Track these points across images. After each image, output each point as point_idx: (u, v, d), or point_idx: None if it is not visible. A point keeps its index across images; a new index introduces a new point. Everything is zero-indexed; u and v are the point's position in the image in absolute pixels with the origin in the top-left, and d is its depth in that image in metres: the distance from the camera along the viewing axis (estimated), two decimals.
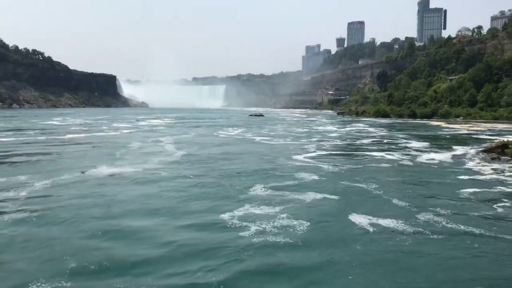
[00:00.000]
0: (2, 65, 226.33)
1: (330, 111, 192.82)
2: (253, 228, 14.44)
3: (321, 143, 44.73)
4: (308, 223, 14.98)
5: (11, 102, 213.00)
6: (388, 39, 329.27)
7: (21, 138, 46.90)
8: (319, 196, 19.05)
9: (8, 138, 47.06)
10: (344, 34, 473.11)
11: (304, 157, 32.92)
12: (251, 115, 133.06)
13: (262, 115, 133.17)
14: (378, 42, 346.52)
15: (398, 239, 13.78)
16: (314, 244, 13.19)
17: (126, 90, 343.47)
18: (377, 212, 16.65)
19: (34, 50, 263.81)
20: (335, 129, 69.71)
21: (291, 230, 14.30)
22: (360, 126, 78.40)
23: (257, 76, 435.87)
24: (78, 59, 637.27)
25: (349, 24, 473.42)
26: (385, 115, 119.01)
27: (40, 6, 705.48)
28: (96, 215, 16.08)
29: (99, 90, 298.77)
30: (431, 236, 13.99)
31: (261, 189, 20.45)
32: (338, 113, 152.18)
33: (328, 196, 19.10)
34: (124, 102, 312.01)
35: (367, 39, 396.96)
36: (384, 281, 10.85)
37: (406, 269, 11.58)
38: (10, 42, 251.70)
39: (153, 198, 18.80)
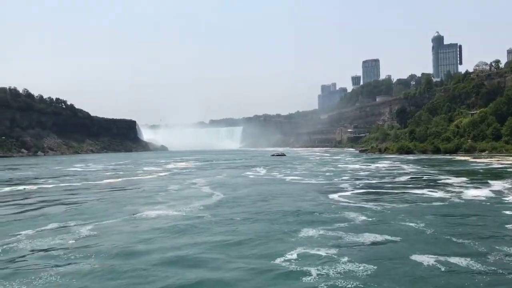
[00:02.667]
0: (27, 115, 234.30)
1: (351, 149, 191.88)
2: (314, 272, 13.82)
3: (354, 181, 44.16)
4: (374, 266, 14.31)
5: (36, 149, 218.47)
6: (404, 76, 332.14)
7: (62, 184, 47.42)
8: (376, 237, 18.44)
9: (49, 185, 47.69)
10: (359, 72, 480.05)
11: (341, 196, 32.38)
12: (272, 155, 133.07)
13: (284, 155, 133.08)
14: (394, 79, 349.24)
15: (473, 277, 13.16)
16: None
17: (146, 134, 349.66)
18: (441, 250, 16.01)
19: (57, 99, 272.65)
20: (363, 167, 68.96)
21: (358, 274, 13.66)
22: (388, 163, 77.49)
23: (274, 116, 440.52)
24: (99, 105, 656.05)
25: (363, 62, 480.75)
26: (408, 152, 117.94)
27: (63, 57, 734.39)
28: (159, 258, 15.87)
29: (120, 135, 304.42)
30: (508, 276, 13.35)
31: (312, 231, 19.93)
32: (361, 151, 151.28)
33: (386, 236, 18.49)
34: (144, 146, 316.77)
35: (382, 76, 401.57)
36: None
37: None
38: (35, 91, 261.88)
39: (203, 242, 18.40)
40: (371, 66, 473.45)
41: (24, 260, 16.03)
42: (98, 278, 14.00)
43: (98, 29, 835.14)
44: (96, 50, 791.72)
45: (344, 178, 48.50)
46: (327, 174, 55.44)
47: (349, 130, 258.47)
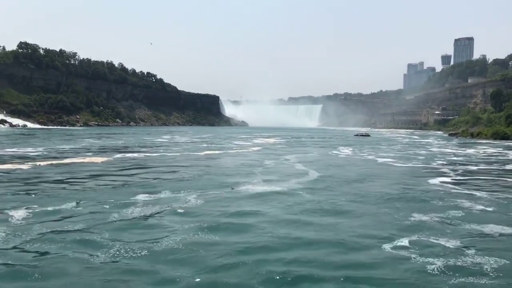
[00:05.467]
0: (122, 87, 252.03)
1: (438, 132, 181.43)
2: (438, 263, 12.94)
3: (454, 166, 41.56)
4: (507, 261, 13.17)
5: (129, 120, 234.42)
6: (502, 56, 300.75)
7: (165, 153, 51.33)
8: (504, 229, 17.02)
9: (154, 153, 51.60)
10: (450, 51, 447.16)
11: (442, 182, 30.65)
12: (356, 135, 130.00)
13: (369, 135, 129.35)
14: (490, 59, 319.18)
15: None
16: None
17: (228, 109, 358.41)
18: None
19: (148, 73, 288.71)
20: (459, 151, 64.65)
21: (488, 268, 12.64)
22: (486, 148, 72.01)
23: (355, 95, 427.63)
24: (186, 80, 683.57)
25: (456, 40, 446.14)
26: (504, 137, 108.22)
27: (156, 38, 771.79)
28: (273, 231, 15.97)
29: (204, 109, 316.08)
30: None
31: (424, 217, 18.97)
32: (450, 134, 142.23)
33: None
34: (226, 121, 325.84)
35: (476, 56, 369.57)
36: None
37: None
38: (129, 66, 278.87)
39: (309, 220, 18.31)
40: (464, 45, 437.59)
41: (142, 221, 17.22)
42: (207, 235, 14.40)
43: (186, 10, 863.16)
44: (182, 32, 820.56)
45: (440, 162, 45.93)
46: (420, 157, 52.87)
47: (436, 112, 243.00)
